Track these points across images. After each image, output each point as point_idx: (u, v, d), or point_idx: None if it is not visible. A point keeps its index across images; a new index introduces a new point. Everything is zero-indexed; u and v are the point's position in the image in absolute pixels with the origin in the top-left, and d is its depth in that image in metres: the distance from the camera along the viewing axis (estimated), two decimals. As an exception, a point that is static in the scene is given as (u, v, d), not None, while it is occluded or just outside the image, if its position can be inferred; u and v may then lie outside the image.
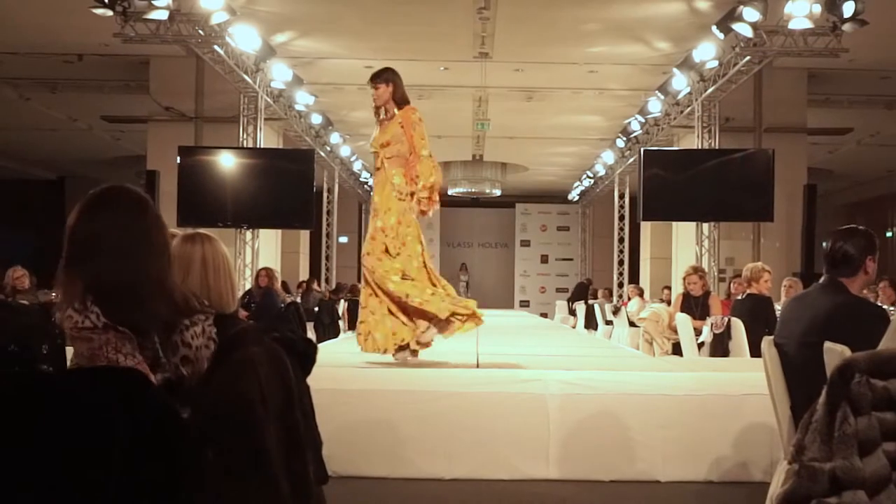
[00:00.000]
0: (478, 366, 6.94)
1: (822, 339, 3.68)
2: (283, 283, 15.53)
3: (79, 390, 1.97)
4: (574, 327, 19.96)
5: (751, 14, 11.38)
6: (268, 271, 12.32)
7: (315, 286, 17.90)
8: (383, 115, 7.01)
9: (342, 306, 16.75)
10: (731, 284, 10.66)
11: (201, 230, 3.47)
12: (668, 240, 18.25)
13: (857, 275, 4.22)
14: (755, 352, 7.37)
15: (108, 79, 15.84)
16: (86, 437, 1.91)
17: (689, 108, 15.15)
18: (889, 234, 25.90)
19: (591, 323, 18.64)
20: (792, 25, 11.44)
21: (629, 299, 18.05)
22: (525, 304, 29.85)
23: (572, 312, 24.02)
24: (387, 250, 6.69)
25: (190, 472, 2.03)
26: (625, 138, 19.04)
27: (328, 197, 22.83)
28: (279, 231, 17.32)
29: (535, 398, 5.80)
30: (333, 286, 20.54)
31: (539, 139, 20.87)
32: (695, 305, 9.29)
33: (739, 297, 9.15)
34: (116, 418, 1.94)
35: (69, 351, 2.40)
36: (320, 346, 4.71)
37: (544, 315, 26.38)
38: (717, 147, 14.65)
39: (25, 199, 24.70)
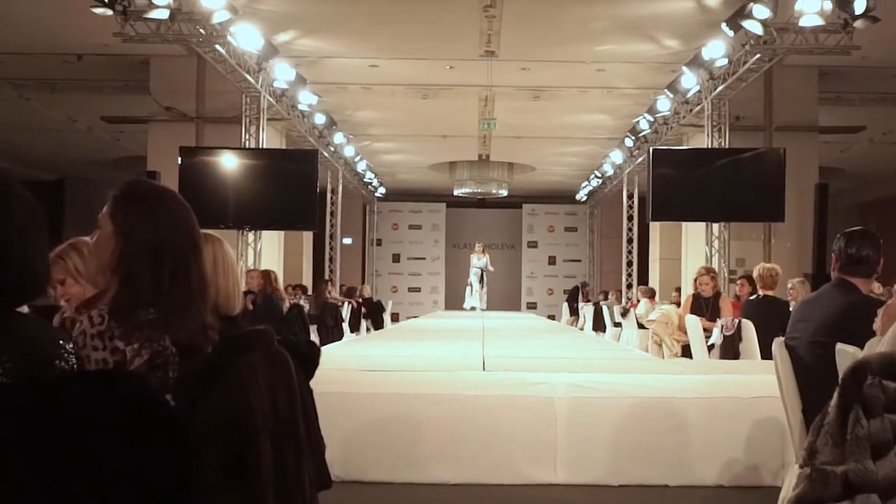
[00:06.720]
0: (484, 369, 6.94)
1: (833, 340, 3.69)
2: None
3: (75, 396, 1.97)
4: (582, 328, 19.97)
5: (761, 11, 11.36)
6: (264, 274, 12.23)
7: (329, 291, 17.59)
8: None
9: (346, 309, 16.76)
10: (738, 285, 10.63)
11: (206, 231, 3.47)
12: (678, 240, 18.22)
13: (871, 276, 4.27)
14: (766, 354, 7.37)
15: (109, 79, 15.85)
16: (84, 444, 1.91)
17: (698, 107, 15.12)
18: (903, 233, 25.84)
19: (599, 325, 18.64)
20: (803, 22, 11.41)
21: (638, 301, 18.03)
22: (532, 305, 29.83)
23: (574, 312, 24.03)
24: None
25: (191, 477, 2.03)
26: (633, 137, 19.01)
27: (332, 198, 22.83)
28: (282, 233, 17.32)
29: (543, 401, 5.80)
30: (337, 288, 20.55)
31: (546, 139, 20.86)
32: (705, 307, 9.28)
33: (751, 299, 9.13)
34: (116, 423, 1.94)
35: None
36: (324, 349, 4.71)
37: (552, 317, 26.35)
38: (726, 146, 14.62)
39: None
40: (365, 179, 25.34)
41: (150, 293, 2.39)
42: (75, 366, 2.18)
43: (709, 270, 9.78)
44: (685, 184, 14.12)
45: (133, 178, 3.35)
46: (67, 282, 3.47)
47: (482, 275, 23.57)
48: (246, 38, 12.52)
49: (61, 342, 2.17)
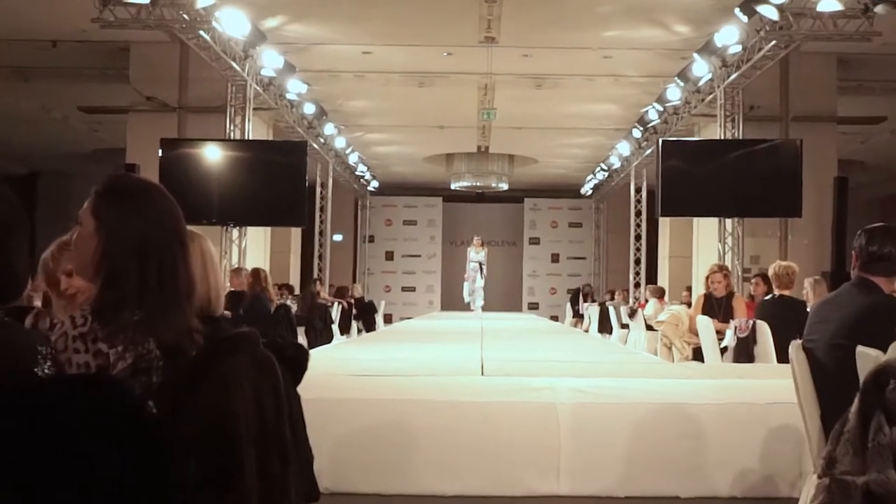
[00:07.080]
0: (482, 373, 6.93)
1: (854, 342, 3.68)
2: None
3: (55, 401, 1.97)
4: (587, 330, 19.98)
5: (776, -5, 11.38)
6: (254, 273, 12.21)
7: (318, 291, 17.57)
8: None
9: (336, 310, 16.76)
10: (752, 284, 10.65)
11: (188, 227, 3.47)
12: (689, 237, 18.24)
13: (894, 275, 4.26)
14: (783, 357, 7.37)
15: (86, 66, 15.83)
16: (63, 452, 1.91)
17: (710, 96, 15.15)
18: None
19: (605, 326, 18.64)
20: (820, 7, 11.44)
21: (646, 301, 18.04)
22: (534, 306, 29.84)
23: (577, 315, 24.04)
24: None
25: (173, 484, 2.03)
26: (642, 128, 19.03)
27: (321, 192, 22.85)
28: (268, 229, 17.33)
29: (545, 408, 5.79)
30: (326, 288, 20.55)
31: (549, 129, 20.88)
32: (717, 307, 9.27)
33: (766, 299, 9.13)
34: (96, 430, 1.94)
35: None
36: (312, 352, 4.69)
37: (554, 318, 26.37)
38: (740, 137, 14.65)
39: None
40: (357, 172, 25.34)
41: (135, 293, 2.38)
42: (53, 371, 2.17)
43: (721, 268, 9.78)
44: (696, 177, 14.13)
45: (116, 172, 3.35)
46: (76, 273, 3.46)
47: (481, 268, 23.22)
48: (232, 23, 12.51)
49: (39, 347, 2.16)
